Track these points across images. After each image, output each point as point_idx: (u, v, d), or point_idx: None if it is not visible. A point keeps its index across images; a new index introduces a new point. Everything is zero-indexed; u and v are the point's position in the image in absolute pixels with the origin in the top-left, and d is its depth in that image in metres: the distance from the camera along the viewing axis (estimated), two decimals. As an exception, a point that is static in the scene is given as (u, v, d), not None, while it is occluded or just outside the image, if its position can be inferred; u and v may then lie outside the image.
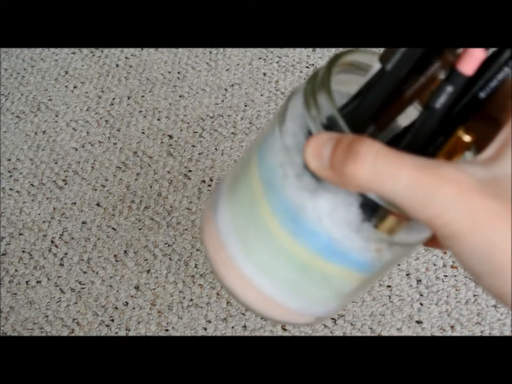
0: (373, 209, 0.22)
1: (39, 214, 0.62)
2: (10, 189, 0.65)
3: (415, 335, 0.54)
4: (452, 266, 0.58)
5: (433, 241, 0.24)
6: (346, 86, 0.25)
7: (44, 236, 0.61)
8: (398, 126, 0.25)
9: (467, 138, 0.21)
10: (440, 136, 0.23)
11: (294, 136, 0.23)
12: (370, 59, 0.24)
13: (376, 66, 0.23)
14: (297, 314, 0.28)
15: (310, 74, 0.24)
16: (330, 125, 0.21)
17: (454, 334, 0.54)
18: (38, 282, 0.58)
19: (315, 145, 0.21)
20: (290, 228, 0.24)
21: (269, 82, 0.75)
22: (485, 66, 0.22)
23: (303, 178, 0.22)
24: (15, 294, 0.57)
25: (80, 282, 0.58)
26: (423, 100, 0.24)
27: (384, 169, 0.19)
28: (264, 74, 0.76)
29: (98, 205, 0.63)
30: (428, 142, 0.23)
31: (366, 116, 0.23)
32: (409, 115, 0.24)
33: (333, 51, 0.77)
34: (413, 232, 0.23)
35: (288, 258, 0.25)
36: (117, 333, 0.54)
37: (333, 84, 0.23)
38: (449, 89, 0.21)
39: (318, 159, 0.21)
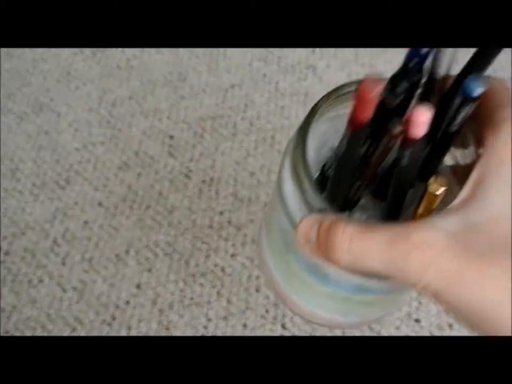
0: None
1: (41, 214, 0.63)
2: (12, 189, 0.65)
3: (413, 333, 0.54)
4: (450, 265, 0.59)
5: None
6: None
7: (46, 235, 0.61)
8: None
9: (438, 192, 0.22)
10: (423, 180, 0.24)
11: (294, 204, 0.24)
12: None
13: None
14: (356, 324, 0.33)
15: (298, 130, 0.24)
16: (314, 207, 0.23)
17: (452, 333, 0.55)
18: (40, 281, 0.58)
19: (302, 232, 0.23)
20: (318, 279, 0.26)
21: (269, 83, 0.75)
22: (449, 98, 0.22)
23: None
24: (18, 293, 0.57)
25: (82, 281, 0.58)
26: None
27: (358, 252, 0.21)
28: (264, 75, 0.76)
29: (100, 204, 0.64)
30: (410, 186, 0.24)
31: (347, 177, 0.24)
32: None
33: (332, 51, 0.78)
34: None
35: (328, 297, 0.27)
36: (118, 331, 0.55)
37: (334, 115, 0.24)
38: (407, 152, 0.21)
39: (307, 244, 0.23)
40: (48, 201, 0.64)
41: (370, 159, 0.23)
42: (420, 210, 0.23)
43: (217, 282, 0.58)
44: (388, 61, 0.76)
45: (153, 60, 0.78)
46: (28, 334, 0.55)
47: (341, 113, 0.25)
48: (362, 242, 0.20)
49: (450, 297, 0.20)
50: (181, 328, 0.55)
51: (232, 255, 0.60)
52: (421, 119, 0.19)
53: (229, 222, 0.62)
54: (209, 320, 0.56)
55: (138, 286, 0.58)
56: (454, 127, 0.22)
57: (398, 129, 0.21)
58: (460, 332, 0.54)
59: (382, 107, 0.22)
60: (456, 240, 0.19)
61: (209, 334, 0.55)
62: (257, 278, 0.58)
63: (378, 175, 0.25)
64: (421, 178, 0.23)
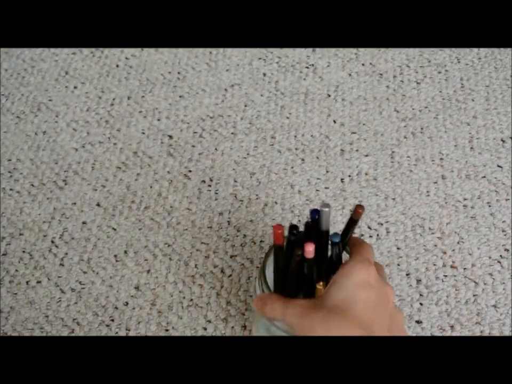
0: None
1: (39, 214, 0.62)
2: (10, 189, 0.65)
3: (415, 335, 0.54)
4: (451, 266, 0.58)
5: None
6: None
7: (44, 236, 0.61)
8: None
9: (320, 288, 0.41)
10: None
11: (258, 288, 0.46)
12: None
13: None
14: None
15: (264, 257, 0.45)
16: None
17: (454, 334, 0.54)
18: (38, 282, 0.58)
19: (256, 298, 0.43)
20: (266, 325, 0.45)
21: (268, 82, 0.75)
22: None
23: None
24: (16, 294, 0.57)
25: (80, 282, 0.58)
26: None
27: (276, 310, 0.40)
28: (264, 74, 0.76)
29: (98, 205, 0.63)
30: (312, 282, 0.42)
31: (279, 277, 0.44)
32: None
33: (333, 51, 0.77)
34: None
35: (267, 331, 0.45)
36: (117, 332, 0.55)
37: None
38: (306, 264, 0.40)
39: (256, 306, 0.42)
40: (47, 202, 0.64)
41: (288, 266, 0.41)
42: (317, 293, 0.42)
43: (216, 283, 0.58)
44: (388, 60, 0.75)
45: (152, 59, 0.78)
46: (26, 335, 0.54)
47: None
48: (277, 305, 0.40)
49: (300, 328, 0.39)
50: (180, 330, 0.55)
51: (232, 256, 0.60)
52: (308, 248, 0.38)
53: (229, 222, 0.62)
54: (208, 321, 0.55)
55: (137, 287, 0.57)
56: (334, 257, 0.41)
57: (299, 251, 0.39)
58: (461, 333, 0.54)
59: (289, 239, 0.41)
60: (315, 305, 0.39)
61: (209, 335, 0.54)
62: (257, 279, 0.58)
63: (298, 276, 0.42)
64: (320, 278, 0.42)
